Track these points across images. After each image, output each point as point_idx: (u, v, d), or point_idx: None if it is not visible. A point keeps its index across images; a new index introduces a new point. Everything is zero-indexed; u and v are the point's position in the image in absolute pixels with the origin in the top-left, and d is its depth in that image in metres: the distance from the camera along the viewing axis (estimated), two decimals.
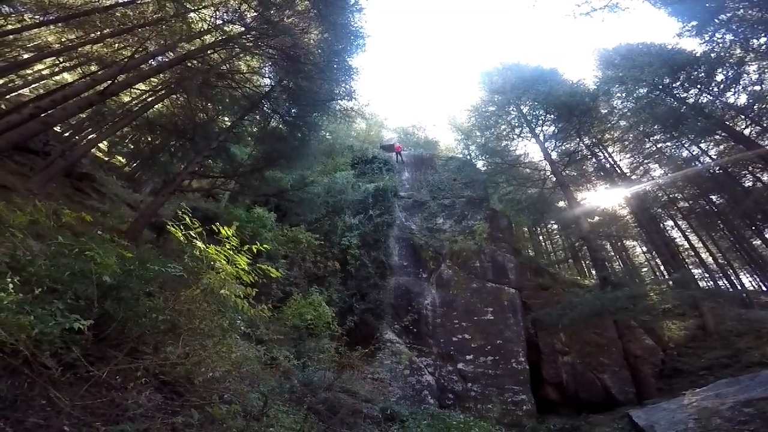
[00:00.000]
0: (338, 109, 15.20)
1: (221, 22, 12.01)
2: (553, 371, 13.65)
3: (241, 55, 13.27)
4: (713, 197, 21.67)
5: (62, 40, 14.13)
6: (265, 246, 5.57)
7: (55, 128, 13.86)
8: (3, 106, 13.25)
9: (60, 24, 12.75)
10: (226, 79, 12.88)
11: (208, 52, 11.87)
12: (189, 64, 11.86)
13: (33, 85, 15.31)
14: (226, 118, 15.69)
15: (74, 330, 3.11)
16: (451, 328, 13.82)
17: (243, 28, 11.54)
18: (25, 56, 13.62)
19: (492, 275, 15.39)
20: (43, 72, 15.46)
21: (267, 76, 14.78)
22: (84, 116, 16.23)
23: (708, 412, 6.75)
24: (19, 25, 12.08)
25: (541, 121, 19.44)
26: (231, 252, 5.01)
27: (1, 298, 2.98)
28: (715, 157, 20.06)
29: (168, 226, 5.04)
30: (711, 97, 16.69)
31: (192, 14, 12.31)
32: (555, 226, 31.21)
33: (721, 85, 15.96)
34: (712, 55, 14.94)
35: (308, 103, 13.14)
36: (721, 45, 14.64)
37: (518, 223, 25.93)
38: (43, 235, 4.45)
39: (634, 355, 12.78)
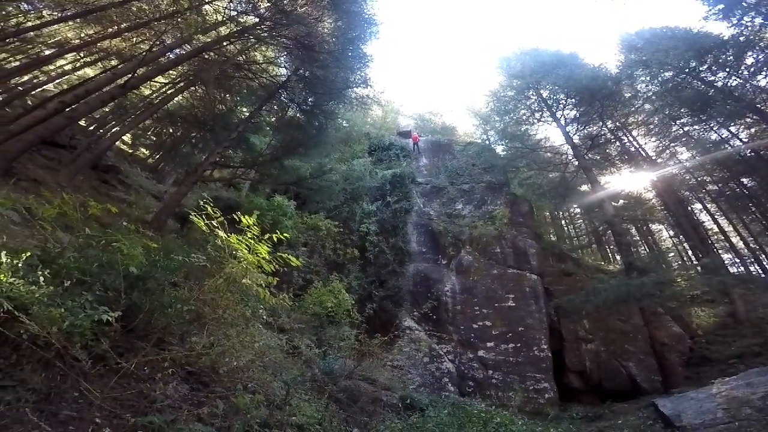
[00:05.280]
0: (354, 96, 15.08)
1: (235, 13, 12.01)
2: (576, 359, 13.48)
3: (257, 45, 13.26)
4: (744, 180, 20.84)
5: (81, 35, 14.41)
6: (285, 234, 5.58)
7: (79, 122, 14.21)
8: (29, 102, 13.63)
9: (78, 20, 12.97)
10: (243, 69, 12.93)
11: (224, 43, 11.91)
12: (206, 56, 11.94)
13: (56, 81, 15.65)
14: (245, 109, 15.79)
15: (103, 322, 3.17)
16: (471, 315, 13.73)
17: (257, 19, 11.50)
18: (47, 52, 13.93)
19: (513, 261, 15.15)
20: (65, 67, 15.78)
21: (283, 65, 14.72)
22: (107, 110, 16.62)
23: (738, 401, 6.53)
24: (38, 22, 12.33)
25: (561, 105, 18.94)
26: (252, 241, 5.04)
27: (33, 291, 3.05)
28: (746, 139, 19.38)
29: (191, 216, 5.10)
30: (741, 81, 16.15)
31: (206, 6, 12.35)
32: (578, 211, 30.54)
33: (752, 69, 15.43)
34: (741, 38, 14.50)
35: (324, 92, 13.09)
36: (750, 28, 14.29)
37: (539, 208, 25.42)
38: (71, 227, 4.55)
39: (660, 342, 12.46)
